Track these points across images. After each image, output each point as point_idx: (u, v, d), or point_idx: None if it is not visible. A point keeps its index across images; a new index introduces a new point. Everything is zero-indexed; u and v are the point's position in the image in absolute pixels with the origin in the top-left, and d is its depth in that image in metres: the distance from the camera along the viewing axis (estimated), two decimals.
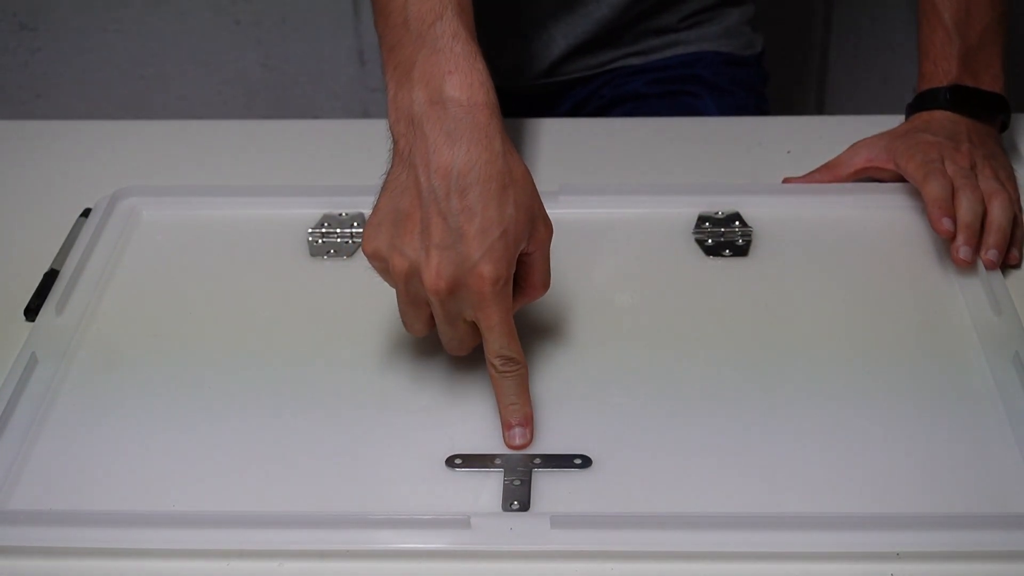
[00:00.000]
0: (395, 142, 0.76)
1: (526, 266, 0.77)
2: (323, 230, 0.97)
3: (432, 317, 0.77)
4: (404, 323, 0.79)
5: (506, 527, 0.71)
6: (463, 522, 0.71)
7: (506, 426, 0.77)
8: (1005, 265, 0.91)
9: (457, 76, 0.74)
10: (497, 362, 0.76)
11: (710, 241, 0.95)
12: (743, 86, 1.26)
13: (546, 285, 0.79)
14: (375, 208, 0.76)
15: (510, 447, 0.77)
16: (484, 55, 0.76)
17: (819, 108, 1.88)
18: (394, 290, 0.77)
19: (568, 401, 0.81)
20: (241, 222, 0.99)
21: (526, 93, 1.26)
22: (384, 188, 0.76)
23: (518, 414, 0.77)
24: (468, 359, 0.81)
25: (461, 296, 0.73)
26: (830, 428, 0.78)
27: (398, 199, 0.74)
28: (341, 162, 1.07)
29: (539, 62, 1.23)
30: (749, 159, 1.07)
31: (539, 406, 0.80)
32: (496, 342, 0.75)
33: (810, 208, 0.98)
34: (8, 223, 1.02)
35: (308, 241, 0.96)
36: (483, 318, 0.74)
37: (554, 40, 1.22)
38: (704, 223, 0.96)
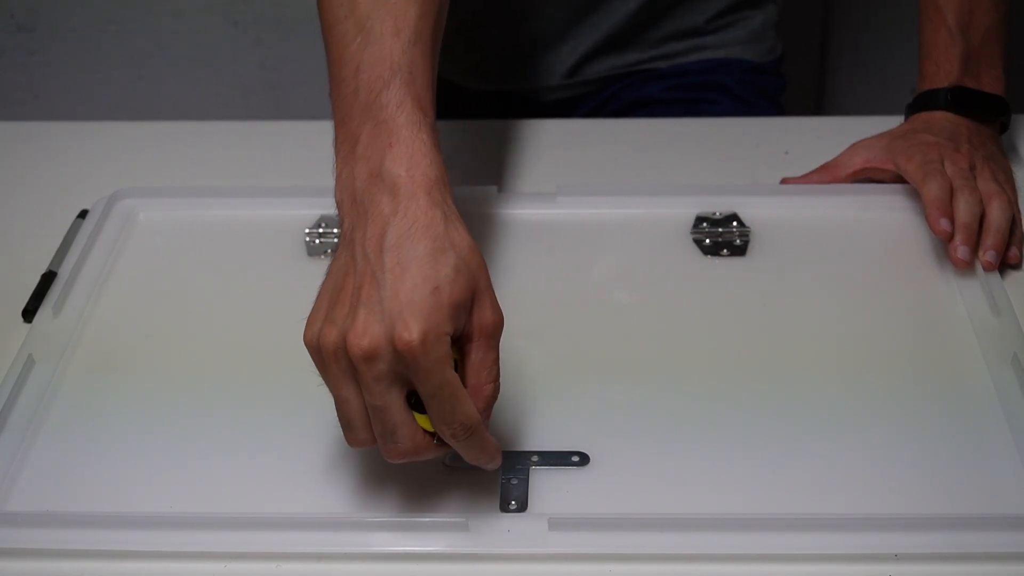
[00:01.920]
0: (340, 222, 0.72)
1: (470, 360, 0.69)
2: (320, 230, 0.97)
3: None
4: (342, 426, 0.69)
5: (504, 529, 0.71)
6: (461, 524, 0.71)
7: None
8: (1005, 264, 0.91)
9: (398, 148, 0.70)
10: (446, 430, 0.67)
11: (708, 241, 0.95)
12: (762, 94, 1.25)
13: (492, 387, 0.69)
14: (316, 298, 0.70)
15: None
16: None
17: (818, 109, 1.88)
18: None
19: (566, 399, 0.80)
20: (238, 223, 0.99)
21: (548, 99, 1.26)
22: (326, 275, 0.70)
23: (488, 460, 0.70)
24: None
25: (388, 360, 0.65)
26: (828, 429, 0.78)
27: (335, 280, 0.69)
28: None
29: (564, 62, 1.22)
30: (747, 160, 1.07)
31: (537, 404, 0.80)
32: (439, 408, 0.66)
33: (808, 209, 0.98)
34: (6, 225, 1.01)
35: (305, 242, 0.96)
36: (421, 383, 0.65)
37: (579, 39, 1.21)
38: (702, 223, 0.96)
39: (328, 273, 0.70)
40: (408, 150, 0.70)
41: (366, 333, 0.65)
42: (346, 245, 0.70)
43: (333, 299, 0.68)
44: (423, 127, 0.71)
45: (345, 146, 0.73)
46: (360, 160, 0.71)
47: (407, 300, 0.65)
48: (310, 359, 0.68)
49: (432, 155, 0.70)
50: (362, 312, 0.66)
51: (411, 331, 0.64)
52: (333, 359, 0.67)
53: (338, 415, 0.69)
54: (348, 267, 0.69)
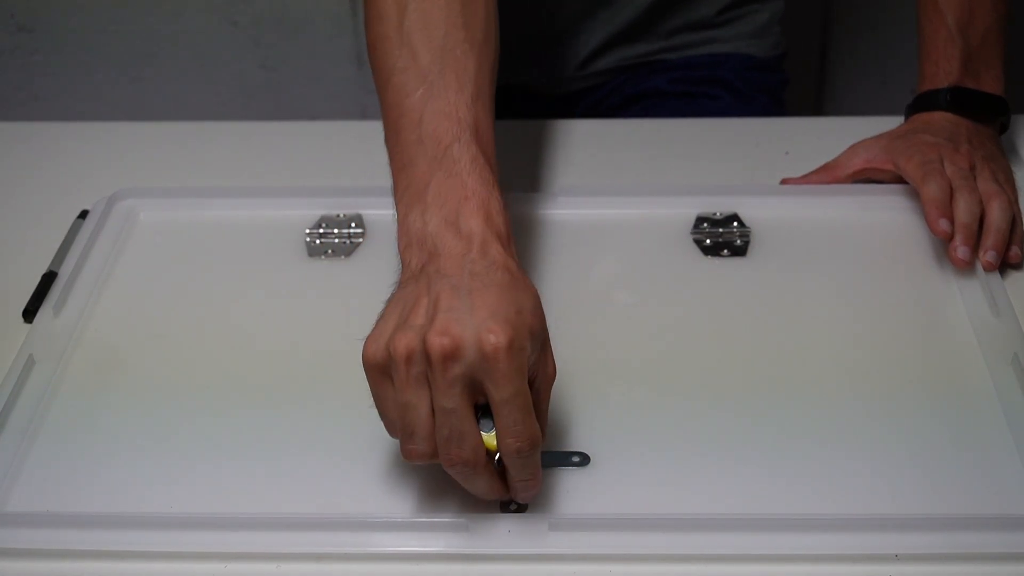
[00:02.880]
0: (405, 264, 0.71)
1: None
2: (321, 231, 0.97)
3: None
4: (402, 436, 0.68)
5: (504, 530, 0.71)
6: (461, 525, 0.71)
7: (514, 495, 0.71)
8: (1005, 264, 0.91)
9: (473, 202, 0.71)
10: (511, 443, 0.66)
11: (708, 241, 0.95)
12: (764, 90, 1.26)
13: (539, 432, 0.68)
14: (379, 319, 0.69)
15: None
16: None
17: (817, 109, 1.88)
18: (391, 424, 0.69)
19: (566, 399, 0.80)
20: (239, 223, 0.99)
21: (555, 92, 1.26)
22: (390, 301, 0.70)
23: (529, 492, 0.71)
24: None
25: (468, 361, 0.64)
26: (828, 429, 0.78)
27: (405, 302, 0.68)
28: (339, 163, 1.07)
29: (577, 55, 1.23)
30: (747, 160, 1.07)
31: None
32: (510, 417, 0.65)
33: (808, 209, 0.98)
34: (6, 225, 1.01)
35: (306, 242, 0.96)
36: (499, 388, 0.65)
37: (593, 31, 1.21)
38: (702, 223, 0.96)
39: (392, 300, 0.70)
40: (484, 205, 0.71)
41: (448, 332, 0.64)
42: (414, 278, 0.70)
43: (404, 315, 0.67)
44: (495, 187, 0.73)
45: (411, 192, 0.73)
46: (432, 207, 0.71)
47: (492, 312, 0.65)
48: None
49: (505, 215, 0.72)
50: (443, 315, 0.65)
51: (498, 335, 0.64)
52: (404, 363, 0.65)
53: (399, 424, 0.68)
54: (420, 290, 0.68)
